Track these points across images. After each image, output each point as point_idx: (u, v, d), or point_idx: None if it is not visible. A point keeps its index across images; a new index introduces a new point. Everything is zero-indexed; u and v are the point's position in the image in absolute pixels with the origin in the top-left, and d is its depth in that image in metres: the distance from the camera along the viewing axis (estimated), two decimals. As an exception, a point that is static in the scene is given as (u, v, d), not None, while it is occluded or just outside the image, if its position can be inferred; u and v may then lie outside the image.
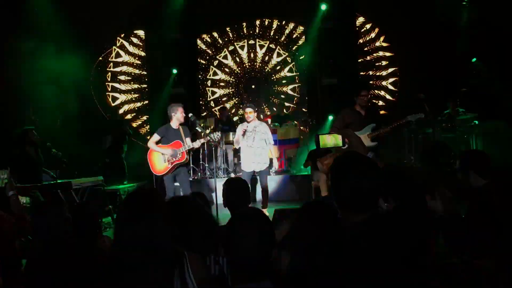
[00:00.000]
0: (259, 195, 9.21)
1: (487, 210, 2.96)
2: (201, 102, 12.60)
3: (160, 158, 6.52)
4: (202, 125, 9.47)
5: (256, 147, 6.97)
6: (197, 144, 6.56)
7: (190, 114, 6.68)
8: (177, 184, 6.79)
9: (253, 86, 12.62)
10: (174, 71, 11.78)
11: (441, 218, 3.12)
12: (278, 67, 12.69)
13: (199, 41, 12.71)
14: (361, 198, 1.85)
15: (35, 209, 2.91)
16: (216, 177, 7.45)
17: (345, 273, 1.72)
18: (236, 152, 10.43)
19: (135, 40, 12.52)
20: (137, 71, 12.59)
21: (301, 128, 11.01)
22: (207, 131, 6.80)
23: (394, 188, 2.26)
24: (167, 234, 1.99)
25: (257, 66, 12.73)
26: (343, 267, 1.73)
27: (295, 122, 10.41)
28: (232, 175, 9.90)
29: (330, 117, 11.40)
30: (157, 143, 6.59)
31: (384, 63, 12.62)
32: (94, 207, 3.46)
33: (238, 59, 12.84)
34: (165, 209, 2.06)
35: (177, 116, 6.56)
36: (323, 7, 11.55)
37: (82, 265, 2.63)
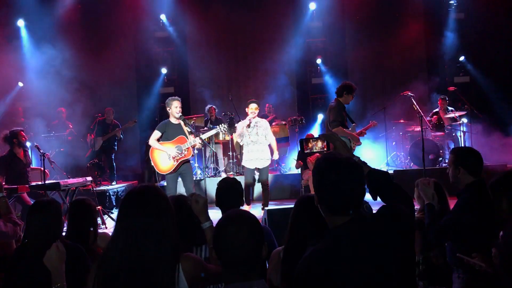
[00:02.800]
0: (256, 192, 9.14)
1: (473, 208, 2.97)
2: (190, 101, 12.53)
3: (164, 155, 6.24)
4: (192, 123, 9.41)
5: (259, 142, 6.94)
6: (201, 138, 6.37)
7: (179, 114, 6.39)
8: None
9: (243, 85, 12.58)
10: (163, 70, 11.73)
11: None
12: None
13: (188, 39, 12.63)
14: (342, 200, 1.81)
15: (31, 207, 2.81)
16: (205, 176, 7.42)
17: (329, 278, 1.71)
18: (226, 152, 10.41)
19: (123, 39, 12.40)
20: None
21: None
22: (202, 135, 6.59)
23: (378, 190, 2.23)
24: (170, 232, 1.99)
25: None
26: (327, 271, 1.72)
27: (283, 122, 10.38)
28: (223, 174, 9.88)
29: (320, 116, 11.45)
30: (158, 140, 6.30)
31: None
32: (91, 202, 3.38)
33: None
34: (170, 206, 2.05)
35: (172, 111, 6.31)
36: (312, 6, 11.59)
37: (76, 266, 2.60)
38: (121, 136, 9.99)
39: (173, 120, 6.37)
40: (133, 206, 1.99)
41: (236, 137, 7.02)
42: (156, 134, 6.30)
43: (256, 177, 7.52)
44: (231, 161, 10.10)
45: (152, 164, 6.36)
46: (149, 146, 6.48)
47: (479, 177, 3.10)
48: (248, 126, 6.92)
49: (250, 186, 7.06)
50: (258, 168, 7.03)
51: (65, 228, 3.26)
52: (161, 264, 1.92)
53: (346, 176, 1.82)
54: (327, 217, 1.88)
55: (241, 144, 7.15)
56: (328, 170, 1.85)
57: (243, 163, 7.17)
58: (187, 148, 6.25)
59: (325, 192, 1.86)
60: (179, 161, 6.24)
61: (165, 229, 1.97)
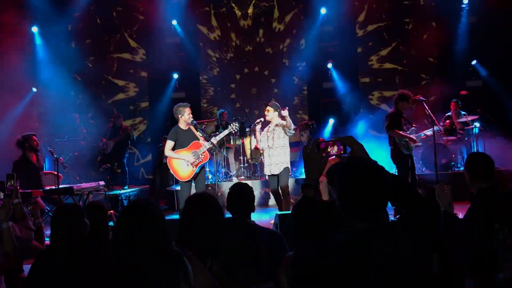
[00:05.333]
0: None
1: (481, 216, 2.89)
2: (202, 105, 12.57)
3: (183, 163, 6.24)
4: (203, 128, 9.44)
5: (275, 147, 6.55)
6: (212, 143, 6.37)
7: (191, 120, 6.42)
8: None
9: (253, 90, 12.58)
10: (175, 75, 11.82)
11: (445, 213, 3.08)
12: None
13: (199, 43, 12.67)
14: (367, 206, 1.80)
15: (55, 211, 2.87)
16: (217, 181, 7.44)
17: (345, 281, 1.71)
18: (237, 156, 10.43)
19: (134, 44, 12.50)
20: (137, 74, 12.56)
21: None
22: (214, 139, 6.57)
23: (397, 196, 2.22)
24: (161, 248, 2.07)
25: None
26: (342, 276, 1.72)
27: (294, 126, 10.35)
28: (234, 179, 9.90)
29: (331, 121, 11.43)
30: (173, 149, 6.31)
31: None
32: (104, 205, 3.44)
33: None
34: (162, 220, 2.16)
35: (184, 118, 6.31)
36: (323, 10, 11.59)
37: (96, 271, 2.63)
38: (133, 136, 10.06)
39: (182, 126, 6.37)
40: (126, 219, 2.12)
41: (257, 142, 6.92)
42: (170, 144, 6.29)
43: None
44: (242, 165, 10.12)
45: (172, 172, 6.37)
46: (162, 152, 6.49)
47: (489, 182, 3.03)
48: (262, 129, 6.71)
49: (275, 194, 6.73)
50: (277, 175, 6.61)
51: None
52: (155, 266, 2.02)
53: (373, 184, 1.81)
54: (349, 222, 1.86)
55: (260, 148, 6.94)
56: (355, 178, 1.83)
57: (264, 171, 6.92)
58: (203, 152, 6.27)
59: (349, 198, 1.84)
60: (198, 166, 6.27)
61: (154, 235, 2.08)
